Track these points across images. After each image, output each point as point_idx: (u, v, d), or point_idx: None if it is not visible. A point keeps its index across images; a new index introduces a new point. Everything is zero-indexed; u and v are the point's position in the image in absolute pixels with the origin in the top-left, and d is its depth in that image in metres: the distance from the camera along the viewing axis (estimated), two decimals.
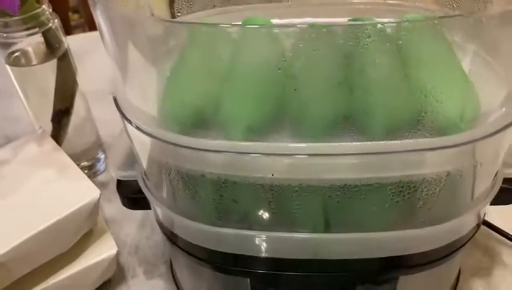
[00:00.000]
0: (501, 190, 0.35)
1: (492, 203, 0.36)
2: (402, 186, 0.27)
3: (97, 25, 0.30)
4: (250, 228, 0.31)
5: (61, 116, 0.53)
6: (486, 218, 0.49)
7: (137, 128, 0.29)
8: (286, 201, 0.29)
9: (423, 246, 0.31)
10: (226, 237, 0.31)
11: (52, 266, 0.41)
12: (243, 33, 0.30)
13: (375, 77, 0.27)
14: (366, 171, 0.27)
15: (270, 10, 0.40)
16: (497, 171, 0.33)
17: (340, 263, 0.32)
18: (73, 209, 0.40)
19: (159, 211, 0.35)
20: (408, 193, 0.28)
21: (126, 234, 0.51)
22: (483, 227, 0.49)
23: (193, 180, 0.29)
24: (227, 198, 0.30)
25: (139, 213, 0.53)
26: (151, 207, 0.37)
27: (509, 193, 0.36)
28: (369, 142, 0.26)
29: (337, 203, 0.28)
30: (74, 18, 1.60)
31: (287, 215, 0.30)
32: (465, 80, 0.27)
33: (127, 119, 0.30)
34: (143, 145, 0.31)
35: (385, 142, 0.25)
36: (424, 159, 0.26)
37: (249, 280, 0.34)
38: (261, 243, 0.31)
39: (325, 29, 0.29)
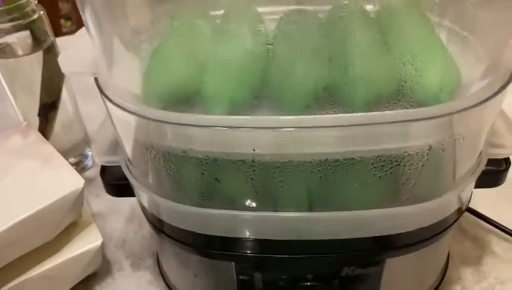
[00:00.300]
0: (486, 172, 0.35)
1: (477, 186, 0.36)
2: (384, 161, 0.27)
3: (79, 8, 0.29)
4: (233, 209, 0.30)
5: (48, 110, 0.53)
6: (476, 208, 0.49)
7: (118, 105, 0.29)
8: (269, 179, 0.29)
9: (408, 225, 0.31)
10: (209, 219, 0.31)
11: (35, 257, 0.40)
12: (224, 14, 0.31)
13: (355, 47, 0.27)
14: (347, 145, 0.26)
15: None
16: (481, 151, 0.33)
17: (325, 244, 0.32)
18: (56, 199, 0.39)
19: (143, 196, 0.35)
20: (390, 168, 0.28)
21: (113, 228, 0.50)
22: (472, 217, 0.49)
23: (175, 159, 0.29)
24: (209, 177, 0.29)
25: (126, 208, 0.53)
26: (135, 194, 0.36)
27: (494, 175, 0.36)
28: (349, 114, 0.25)
29: (320, 180, 0.28)
30: (67, 25, 1.60)
31: (270, 193, 0.30)
32: (444, 52, 0.27)
33: (107, 97, 0.29)
34: (125, 126, 0.31)
35: (365, 113, 0.25)
36: (404, 131, 0.26)
37: (233, 263, 0.34)
38: (245, 224, 0.31)
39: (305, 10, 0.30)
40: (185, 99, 0.29)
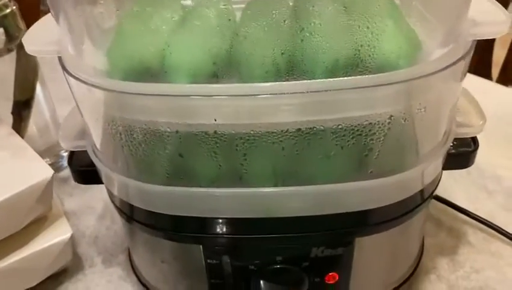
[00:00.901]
0: (455, 153, 0.35)
1: (446, 168, 0.36)
2: (345, 130, 0.27)
3: None
4: (198, 186, 0.30)
5: (21, 108, 0.53)
6: (453, 201, 0.49)
7: (79, 79, 0.28)
8: (232, 152, 0.28)
9: (374, 201, 0.31)
10: (174, 198, 0.31)
11: (2, 248, 0.39)
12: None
13: (314, 14, 0.27)
14: (306, 113, 0.26)
15: None
16: (446, 130, 0.33)
17: (293, 223, 0.31)
18: (24, 188, 0.38)
19: (109, 180, 0.34)
20: (353, 138, 0.28)
21: (86, 225, 0.50)
22: (448, 209, 0.49)
23: (137, 134, 0.29)
24: (172, 152, 0.29)
25: (99, 205, 0.52)
26: (103, 180, 0.36)
27: (463, 156, 0.36)
28: (308, 81, 0.25)
29: (283, 152, 0.28)
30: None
31: (235, 168, 0.29)
32: (402, 19, 0.28)
33: (69, 73, 0.29)
34: (88, 104, 0.31)
35: (324, 80, 0.25)
36: (363, 98, 0.26)
37: (201, 247, 0.33)
38: (210, 202, 0.30)
39: None
40: (147, 73, 0.28)
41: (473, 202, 0.50)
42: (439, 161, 0.33)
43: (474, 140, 0.36)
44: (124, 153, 0.31)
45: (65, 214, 0.45)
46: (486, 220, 0.46)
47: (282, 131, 0.27)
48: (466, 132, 0.35)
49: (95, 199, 0.53)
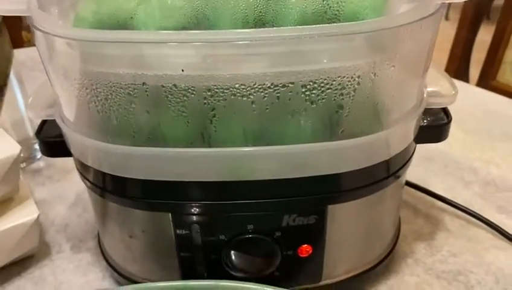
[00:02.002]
0: (428, 126, 0.35)
1: (419, 141, 0.36)
2: (315, 84, 0.27)
3: None
4: (165, 146, 0.29)
5: None
6: (428, 187, 0.48)
7: (45, 32, 0.28)
8: (200, 107, 0.28)
9: (344, 163, 0.30)
10: (141, 159, 0.30)
11: None
12: None
13: None
14: (274, 64, 0.26)
15: None
16: (418, 97, 0.33)
17: (263, 187, 0.30)
18: None
19: (77, 147, 0.33)
20: (322, 92, 0.27)
21: (56, 214, 0.48)
22: (426, 197, 0.48)
23: (103, 88, 0.28)
24: (138, 108, 0.28)
25: (71, 195, 0.51)
26: (71, 150, 0.35)
27: (436, 129, 0.36)
28: (275, 28, 0.25)
29: (252, 106, 0.28)
30: (29, 37, 1.59)
31: (203, 126, 0.29)
32: None
33: (37, 28, 0.29)
34: (55, 61, 0.30)
35: (294, 27, 0.25)
36: (332, 49, 0.26)
37: (170, 215, 0.32)
38: (179, 164, 0.30)
39: None
40: (116, 27, 0.28)
41: (450, 191, 0.49)
42: (411, 129, 0.33)
43: (447, 113, 0.36)
44: (91, 113, 0.30)
45: (36, 203, 0.43)
46: (464, 207, 0.46)
47: (251, 83, 0.27)
48: (438, 102, 0.35)
49: (67, 189, 0.51)
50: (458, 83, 0.73)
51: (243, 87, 0.27)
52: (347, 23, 0.25)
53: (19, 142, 0.56)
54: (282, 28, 0.25)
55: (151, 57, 0.26)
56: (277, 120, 0.28)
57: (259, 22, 0.27)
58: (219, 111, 0.28)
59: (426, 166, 0.53)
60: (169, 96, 0.27)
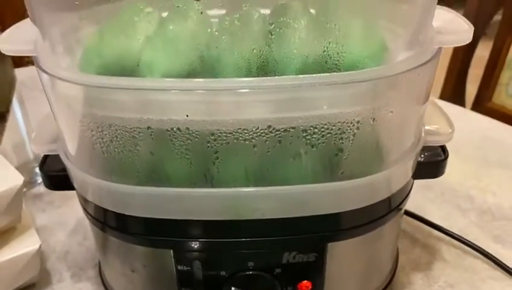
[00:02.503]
0: (425, 162, 0.36)
1: (417, 177, 0.36)
2: (316, 128, 0.28)
3: None
4: (168, 186, 0.30)
5: None
6: (426, 217, 0.49)
7: (52, 75, 0.28)
8: (203, 149, 0.28)
9: (344, 203, 0.31)
10: (145, 198, 0.30)
11: None
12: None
13: (291, 24, 0.28)
14: (277, 110, 0.27)
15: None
16: (416, 137, 0.34)
17: (264, 226, 0.31)
18: None
19: (80, 183, 0.34)
20: (323, 136, 0.28)
21: (56, 241, 0.48)
22: (423, 226, 0.49)
23: (109, 131, 0.29)
24: (143, 149, 0.29)
25: (72, 222, 0.51)
26: (74, 185, 0.35)
27: (433, 165, 0.37)
28: (277, 77, 0.26)
29: (254, 149, 0.28)
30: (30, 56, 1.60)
31: (206, 167, 0.29)
32: (370, 24, 0.29)
33: (43, 70, 0.29)
34: (61, 101, 0.31)
35: (295, 76, 0.26)
36: (332, 96, 0.26)
37: (172, 252, 0.33)
38: (181, 203, 0.30)
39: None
40: (121, 72, 0.29)
41: (446, 219, 0.50)
42: (409, 168, 0.34)
43: (444, 149, 0.37)
44: (95, 153, 0.31)
45: (36, 229, 0.44)
46: (460, 236, 0.47)
47: (253, 128, 0.27)
48: (435, 140, 0.35)
49: (67, 215, 0.52)
50: (455, 109, 0.74)
51: (245, 131, 0.28)
52: (346, 72, 0.26)
53: (20, 166, 0.57)
54: (283, 77, 0.26)
55: (156, 103, 0.27)
56: (278, 162, 0.29)
57: (262, 70, 0.28)
58: (222, 154, 0.29)
59: (423, 193, 0.54)
60: (174, 139, 0.28)
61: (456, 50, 1.08)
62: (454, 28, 0.31)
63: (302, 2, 0.32)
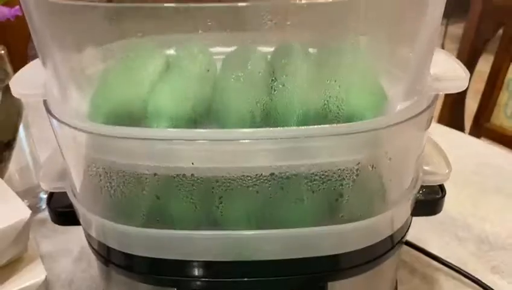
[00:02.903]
0: (423, 200, 0.37)
1: (415, 214, 0.37)
2: (316, 175, 0.29)
3: (31, 32, 0.31)
4: (173, 228, 0.31)
5: (2, 149, 0.53)
6: (426, 248, 0.50)
7: (62, 122, 0.30)
8: (208, 195, 0.29)
9: (345, 245, 0.32)
10: (150, 239, 0.31)
11: None
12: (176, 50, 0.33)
13: (292, 72, 0.29)
14: (279, 158, 0.28)
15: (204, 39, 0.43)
16: (413, 177, 0.34)
17: (267, 266, 0.32)
18: (1, 228, 0.39)
19: (87, 221, 0.35)
20: (323, 183, 0.29)
21: (61, 268, 0.49)
22: (422, 256, 0.50)
23: (116, 176, 0.30)
24: (149, 194, 0.30)
25: (76, 248, 0.52)
26: (81, 221, 0.36)
27: (431, 203, 0.37)
28: (281, 128, 0.27)
29: (257, 195, 0.29)
30: None
31: (211, 211, 0.30)
32: (370, 72, 0.30)
33: (52, 115, 0.30)
34: (69, 145, 0.32)
35: (295, 127, 0.27)
36: (332, 146, 0.27)
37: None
38: (186, 244, 0.31)
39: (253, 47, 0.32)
40: (129, 118, 0.30)
41: (445, 249, 0.51)
42: (408, 207, 0.35)
43: (442, 187, 0.38)
44: (102, 195, 0.32)
45: (41, 256, 0.45)
46: (458, 268, 0.47)
47: (256, 175, 0.28)
48: (433, 180, 0.36)
49: (72, 241, 0.52)
50: (452, 134, 0.75)
51: (248, 178, 0.29)
52: (346, 124, 0.27)
53: (25, 191, 0.58)
54: (285, 128, 0.27)
55: (163, 152, 0.28)
56: (280, 206, 0.30)
57: (265, 119, 0.29)
58: (225, 198, 0.30)
59: (422, 223, 0.55)
60: (180, 185, 0.29)
61: None
62: (450, 74, 0.33)
63: (302, 47, 0.33)
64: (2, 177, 0.53)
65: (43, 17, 0.29)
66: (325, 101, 0.28)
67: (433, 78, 0.31)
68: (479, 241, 0.52)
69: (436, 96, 0.32)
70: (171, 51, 0.37)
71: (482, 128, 0.97)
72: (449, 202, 0.57)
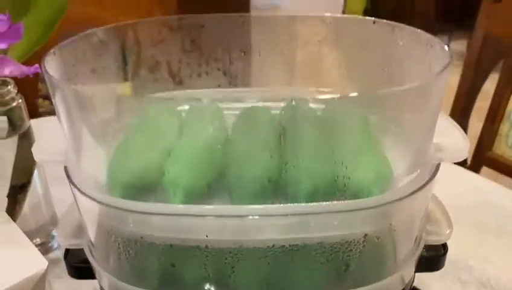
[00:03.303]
0: (425, 258, 0.38)
1: (419, 271, 0.39)
2: (325, 247, 0.30)
3: (51, 97, 0.33)
4: None
5: (17, 191, 0.55)
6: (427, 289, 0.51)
7: (84, 194, 0.31)
8: (221, 264, 0.31)
9: None
10: None
11: None
12: (188, 109, 0.35)
13: (301, 147, 0.31)
14: (290, 232, 0.29)
15: (216, 94, 0.45)
16: (417, 237, 0.36)
17: None
18: (17, 281, 0.40)
19: (103, 279, 0.36)
20: (331, 254, 0.30)
21: None
22: None
23: (134, 244, 0.31)
24: (165, 262, 0.31)
25: (88, 289, 0.53)
26: (97, 277, 0.38)
27: (433, 260, 0.39)
28: (292, 205, 0.29)
29: (268, 265, 0.31)
30: (44, 105, 1.64)
31: (224, 279, 0.32)
32: (377, 152, 0.31)
33: (75, 185, 0.32)
34: (89, 212, 0.33)
35: (306, 204, 0.29)
36: (339, 221, 0.29)
37: None
38: None
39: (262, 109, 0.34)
40: (146, 187, 0.32)
41: None
42: (412, 267, 0.36)
43: (444, 245, 0.39)
44: (119, 259, 0.33)
45: None
46: None
47: (267, 247, 0.30)
48: (435, 239, 0.38)
49: (84, 283, 0.54)
50: (453, 169, 0.76)
51: (260, 250, 0.30)
52: (352, 201, 0.29)
53: (37, 229, 0.59)
54: (294, 205, 0.29)
55: (179, 226, 0.29)
56: (290, 275, 0.32)
57: (275, 190, 0.30)
58: (238, 268, 0.31)
59: None
60: (194, 255, 0.31)
61: (458, 98, 1.11)
62: (452, 143, 0.34)
63: (310, 117, 0.34)
64: (15, 220, 0.54)
65: (69, 101, 0.31)
66: (333, 181, 0.29)
67: (435, 148, 0.33)
68: (480, 284, 0.54)
69: (439, 166, 0.33)
70: (184, 107, 0.39)
71: (484, 157, 0.99)
72: (451, 244, 0.58)
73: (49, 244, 0.59)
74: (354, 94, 0.29)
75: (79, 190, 0.32)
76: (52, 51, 0.33)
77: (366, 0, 2.88)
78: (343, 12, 2.93)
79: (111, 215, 0.31)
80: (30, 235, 0.49)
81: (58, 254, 0.58)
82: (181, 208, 0.29)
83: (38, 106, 1.19)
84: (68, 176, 0.33)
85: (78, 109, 0.33)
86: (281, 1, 3.82)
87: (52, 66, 0.32)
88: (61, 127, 0.34)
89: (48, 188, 0.61)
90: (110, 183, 0.32)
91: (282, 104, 0.42)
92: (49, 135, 0.36)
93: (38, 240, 0.58)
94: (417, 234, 0.36)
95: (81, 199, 0.32)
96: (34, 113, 1.11)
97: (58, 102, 0.32)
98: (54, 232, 0.60)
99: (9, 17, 0.40)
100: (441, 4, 2.85)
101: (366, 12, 2.86)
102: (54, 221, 0.61)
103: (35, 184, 0.59)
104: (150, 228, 0.30)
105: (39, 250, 0.47)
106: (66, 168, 0.34)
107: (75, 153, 0.34)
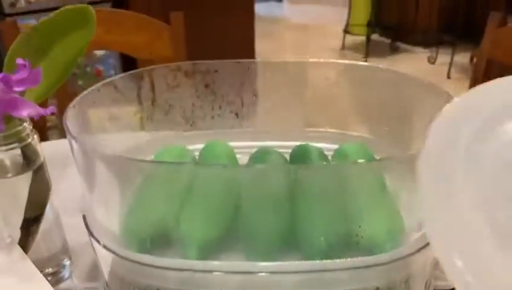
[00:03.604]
0: None
1: None
2: None
3: (73, 155, 0.34)
4: None
5: (30, 224, 0.56)
6: None
7: (104, 247, 0.32)
8: None
9: None
10: None
11: None
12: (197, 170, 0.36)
13: (315, 205, 0.32)
14: (305, 287, 0.30)
15: (229, 135, 0.46)
16: (426, 282, 0.37)
17: None
18: None
19: None
20: None
21: None
22: None
23: None
24: None
25: None
26: None
27: None
28: (308, 262, 0.30)
29: None
30: (51, 119, 1.65)
31: None
32: (390, 204, 0.32)
33: (95, 238, 0.33)
34: (107, 260, 0.34)
35: (321, 261, 0.30)
36: (352, 276, 0.30)
37: None
38: None
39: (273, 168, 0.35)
40: (161, 240, 0.32)
41: None
42: None
43: (453, 289, 0.40)
44: None
45: None
46: None
47: None
48: (445, 284, 0.38)
49: None
50: None
51: None
52: (365, 258, 0.30)
53: (48, 258, 0.60)
54: (308, 262, 0.30)
55: (196, 279, 0.30)
56: None
57: (288, 245, 0.31)
58: None
59: None
60: None
61: None
62: None
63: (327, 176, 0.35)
64: (28, 251, 0.55)
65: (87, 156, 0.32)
66: (347, 236, 0.30)
67: None
68: None
69: None
70: (196, 146, 0.40)
71: None
72: None
73: (61, 274, 0.59)
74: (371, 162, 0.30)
75: (99, 242, 0.33)
76: (72, 104, 0.34)
77: (370, 13, 2.89)
78: (347, 24, 2.94)
79: (130, 269, 0.32)
80: (42, 263, 0.50)
81: (69, 284, 0.59)
82: (198, 264, 0.30)
83: (46, 120, 1.20)
84: (87, 226, 0.34)
85: (94, 164, 0.34)
86: (285, 13, 3.85)
87: (72, 119, 0.33)
88: (79, 174, 0.35)
89: (59, 216, 0.61)
90: (126, 235, 0.33)
91: (294, 144, 0.43)
92: (67, 182, 0.37)
93: (50, 270, 0.59)
94: (427, 278, 0.37)
95: (101, 250, 0.33)
96: (42, 130, 1.12)
97: (77, 155, 0.33)
98: (65, 261, 0.61)
99: (29, 64, 0.41)
100: (444, 17, 2.86)
101: (370, 25, 2.87)
102: (65, 249, 0.61)
103: (47, 213, 0.60)
104: (167, 281, 0.31)
105: (51, 280, 0.48)
106: (84, 218, 0.35)
107: (92, 200, 0.35)
